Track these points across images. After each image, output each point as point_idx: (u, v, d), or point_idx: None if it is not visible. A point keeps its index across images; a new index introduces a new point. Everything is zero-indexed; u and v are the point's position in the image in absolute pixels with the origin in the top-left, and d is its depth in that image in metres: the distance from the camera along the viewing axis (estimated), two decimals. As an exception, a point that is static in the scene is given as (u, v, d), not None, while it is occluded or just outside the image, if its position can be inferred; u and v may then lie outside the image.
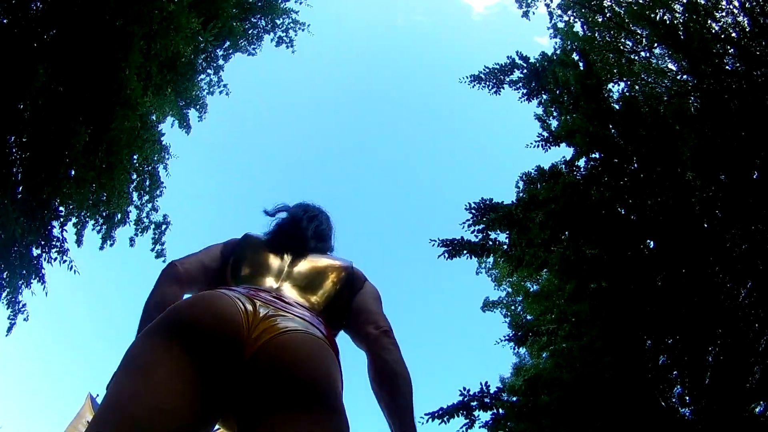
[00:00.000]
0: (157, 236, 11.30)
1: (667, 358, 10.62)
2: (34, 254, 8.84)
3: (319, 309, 2.22)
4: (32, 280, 9.04)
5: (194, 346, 1.69)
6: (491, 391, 10.95)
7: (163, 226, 11.39)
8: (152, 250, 11.30)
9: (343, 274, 2.42)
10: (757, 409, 9.84)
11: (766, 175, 9.54)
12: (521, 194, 12.47)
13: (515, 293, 15.85)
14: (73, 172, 8.48)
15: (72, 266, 9.28)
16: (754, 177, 9.64)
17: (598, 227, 10.47)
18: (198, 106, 12.60)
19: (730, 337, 9.55)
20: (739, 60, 10.24)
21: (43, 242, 8.84)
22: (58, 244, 9.16)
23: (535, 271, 12.78)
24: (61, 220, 9.28)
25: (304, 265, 2.42)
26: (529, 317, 15.34)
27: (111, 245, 10.63)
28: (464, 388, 10.88)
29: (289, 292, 2.23)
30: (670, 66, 11.94)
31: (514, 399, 11.19)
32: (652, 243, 10.62)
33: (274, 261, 2.42)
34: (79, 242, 10.09)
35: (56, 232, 9.22)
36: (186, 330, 1.72)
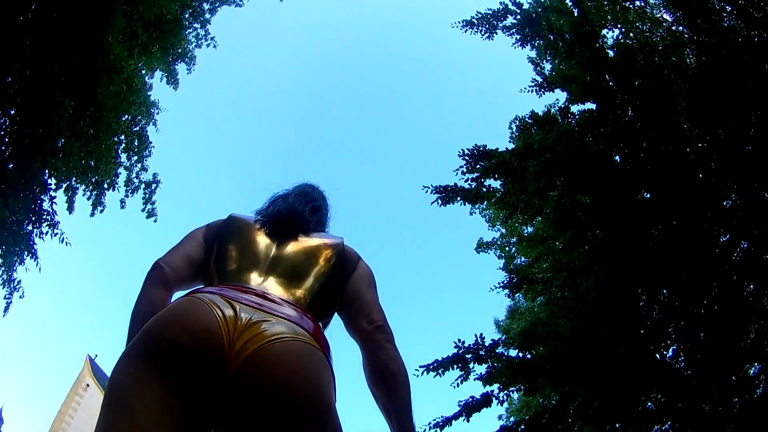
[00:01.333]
0: (147, 196, 11.32)
1: (660, 313, 10.76)
2: (26, 231, 8.84)
3: (307, 302, 2.13)
4: (25, 257, 9.11)
5: (172, 371, 1.63)
6: (486, 344, 11.06)
7: (153, 185, 11.39)
8: (143, 210, 11.34)
9: (333, 255, 2.33)
10: (751, 371, 9.99)
11: (763, 132, 9.50)
12: (517, 142, 12.42)
13: (509, 234, 15.86)
14: (60, 143, 8.44)
15: (63, 238, 9.32)
16: (751, 133, 9.60)
17: (593, 176, 10.48)
18: (186, 59, 12.44)
19: (725, 295, 9.64)
20: (738, 19, 10.10)
21: (33, 218, 8.84)
22: (48, 217, 9.16)
23: (529, 219, 12.81)
24: (51, 193, 9.28)
25: (293, 250, 2.30)
26: (523, 259, 15.51)
27: (101, 211, 10.70)
28: (459, 340, 10.91)
29: (275, 288, 2.11)
30: (666, 17, 11.76)
31: (510, 353, 11.30)
32: (648, 195, 10.63)
33: (259, 249, 2.29)
34: (70, 209, 10.15)
35: (46, 205, 9.22)
36: (161, 353, 1.66)
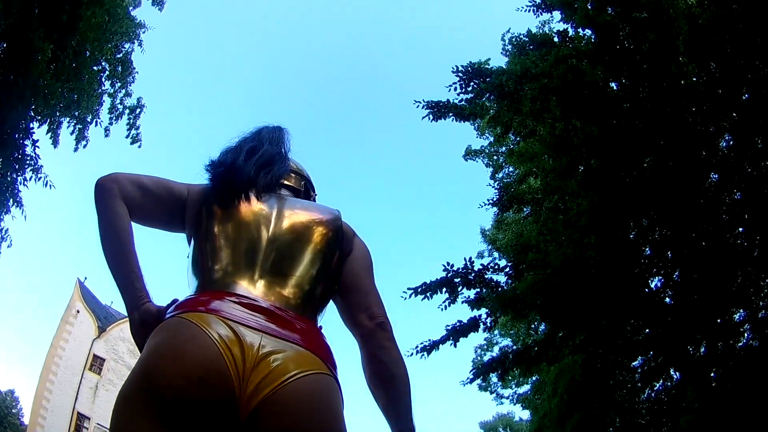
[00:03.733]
0: (131, 121, 11.20)
1: (650, 246, 10.91)
2: (8, 180, 8.76)
3: (307, 302, 1.98)
4: (11, 206, 9.03)
5: (178, 422, 1.54)
6: (476, 269, 11.22)
7: (138, 110, 11.22)
8: (127, 136, 11.22)
9: (331, 236, 2.14)
10: (736, 316, 10.29)
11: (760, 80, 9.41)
12: (511, 64, 12.26)
13: (498, 143, 15.81)
14: (41, 83, 8.26)
15: (47, 182, 9.24)
16: (748, 77, 9.51)
17: (590, 104, 10.41)
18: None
19: (713, 235, 9.78)
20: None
21: (16, 165, 8.71)
22: (32, 162, 9.06)
23: (523, 139, 12.80)
24: (33, 137, 9.13)
25: (286, 233, 2.08)
26: (511, 169, 15.57)
27: (84, 146, 10.64)
28: (448, 263, 11.15)
29: (272, 290, 1.93)
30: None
31: (499, 279, 11.48)
32: (642, 127, 10.59)
33: (250, 235, 2.05)
34: (55, 143, 10.13)
35: (29, 150, 9.12)
36: (164, 404, 1.54)
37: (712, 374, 9.81)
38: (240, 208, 2.07)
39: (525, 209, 13.76)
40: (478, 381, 12.28)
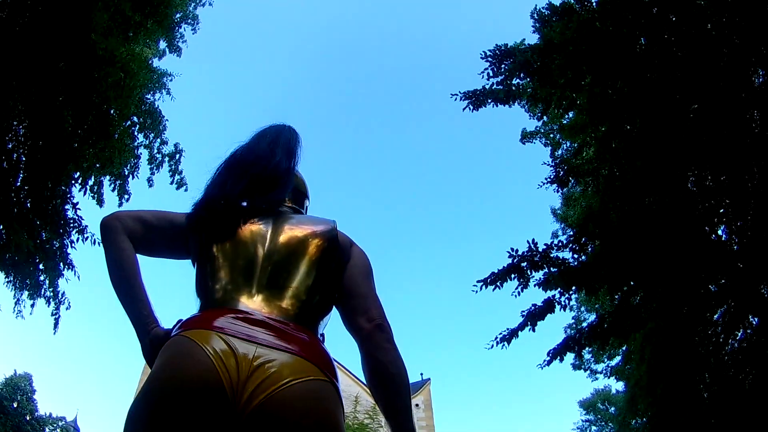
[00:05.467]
0: (173, 167, 11.52)
1: (709, 193, 10.66)
2: (57, 246, 9.31)
3: (305, 313, 2.06)
4: (63, 270, 9.59)
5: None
6: (540, 249, 11.13)
7: (177, 155, 11.57)
8: (171, 183, 11.53)
9: (327, 247, 2.22)
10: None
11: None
12: (537, 40, 12.15)
13: (551, 122, 15.63)
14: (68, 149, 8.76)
15: (95, 239, 9.63)
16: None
17: (620, 63, 10.28)
18: (189, 21, 12.50)
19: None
20: None
21: (61, 231, 9.23)
22: (76, 224, 9.56)
23: (564, 112, 12.66)
24: (72, 200, 9.66)
25: (282, 249, 2.17)
26: (568, 144, 15.39)
27: (127, 200, 11.05)
28: (512, 249, 11.05)
29: (269, 303, 2.02)
30: None
31: (565, 255, 11.35)
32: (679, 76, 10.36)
33: (247, 252, 2.15)
34: (100, 203, 10.61)
35: (70, 214, 9.61)
36: (167, 422, 1.63)
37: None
38: (237, 231, 2.19)
39: (584, 182, 13.54)
40: (571, 359, 12.15)
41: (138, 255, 2.15)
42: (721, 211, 10.62)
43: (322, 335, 2.17)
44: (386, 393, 2.01)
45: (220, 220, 2.20)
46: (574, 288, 10.99)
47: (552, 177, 13.68)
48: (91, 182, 10.34)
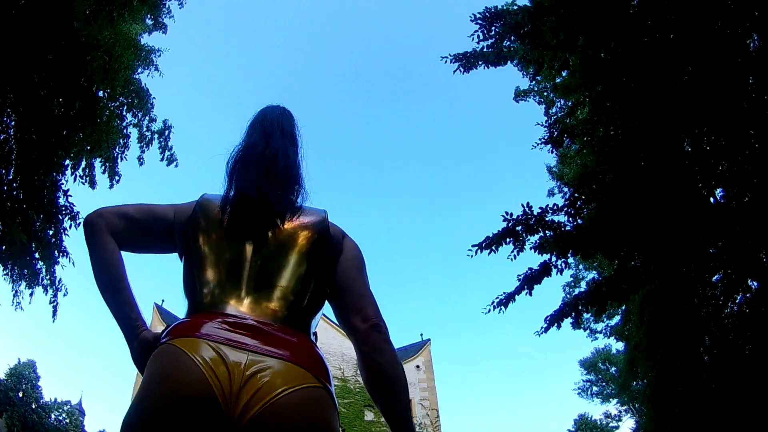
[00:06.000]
0: (162, 144, 11.56)
1: (706, 154, 10.62)
2: (51, 234, 9.40)
3: (296, 313, 2.02)
4: (59, 258, 9.65)
5: None
6: (535, 213, 11.10)
7: (166, 132, 11.61)
8: (162, 159, 11.59)
9: (318, 241, 2.15)
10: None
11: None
12: (528, 2, 11.98)
13: (545, 79, 15.50)
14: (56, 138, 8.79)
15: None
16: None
17: (613, 23, 10.15)
18: (174, -6, 12.43)
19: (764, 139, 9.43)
20: None
21: (54, 219, 9.32)
22: (68, 212, 9.59)
23: (557, 73, 12.55)
24: (63, 188, 9.66)
25: (273, 247, 2.09)
26: (562, 102, 15.31)
27: (118, 181, 11.05)
28: (507, 213, 11.01)
29: (259, 306, 1.97)
30: None
31: (561, 220, 11.33)
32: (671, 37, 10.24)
33: (236, 253, 2.08)
34: (92, 185, 10.69)
35: (62, 201, 9.65)
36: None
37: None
38: (224, 227, 2.11)
39: (579, 141, 13.48)
40: (569, 321, 12.17)
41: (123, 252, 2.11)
42: (719, 172, 10.57)
43: (315, 334, 2.14)
44: (384, 394, 2.01)
45: (256, 219, 2.13)
46: (570, 252, 11.00)
47: (546, 137, 13.63)
48: (82, 165, 10.40)
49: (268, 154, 2.30)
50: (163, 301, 43.20)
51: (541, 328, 11.44)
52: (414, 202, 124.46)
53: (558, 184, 20.87)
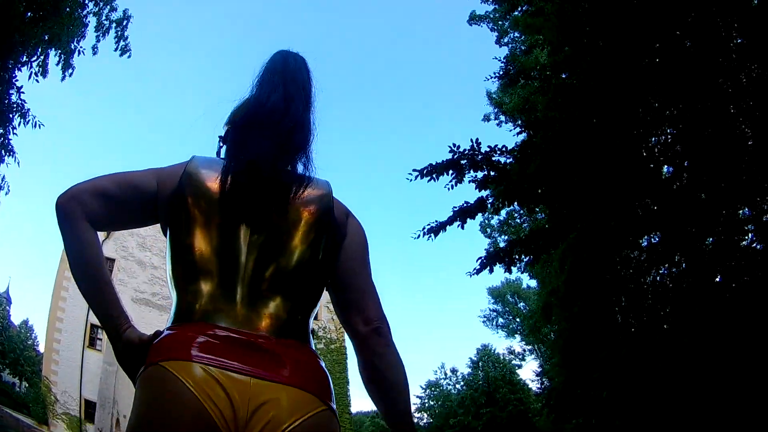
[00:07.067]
0: (119, 33, 11.31)
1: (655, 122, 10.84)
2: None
3: (297, 315, 1.87)
4: (4, 156, 9.50)
5: None
6: (483, 150, 11.24)
7: (124, 21, 11.32)
8: (116, 49, 11.37)
9: (318, 215, 1.94)
10: (740, 212, 10.23)
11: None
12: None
13: (502, 8, 15.43)
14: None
15: (36, 122, 9.64)
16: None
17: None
18: None
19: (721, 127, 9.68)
20: None
21: (3, 118, 9.19)
22: (18, 109, 9.45)
23: (530, 17, 12.52)
24: (16, 85, 9.51)
25: (272, 236, 1.88)
26: (517, 34, 15.36)
27: (71, 74, 10.81)
28: (454, 144, 11.14)
29: (257, 314, 1.80)
30: None
31: (505, 159, 11.48)
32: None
33: (230, 237, 1.86)
34: (44, 74, 10.28)
35: (14, 98, 9.48)
36: None
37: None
38: (220, 210, 1.87)
39: (533, 84, 13.58)
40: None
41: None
42: (666, 147, 10.86)
43: (312, 331, 1.99)
44: (385, 399, 1.95)
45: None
46: (506, 200, 11.19)
47: (501, 73, 13.72)
48: (38, 59, 10.09)
49: (288, 124, 1.96)
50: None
51: (474, 269, 11.74)
52: (358, 122, 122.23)
53: (495, 111, 21.04)
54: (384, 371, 1.92)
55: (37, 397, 34.37)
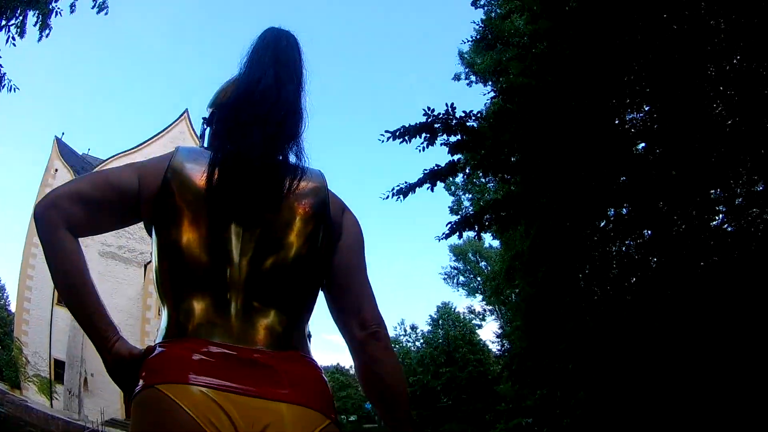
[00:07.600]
0: (97, -12, 11.17)
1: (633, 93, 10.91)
2: None
3: (292, 325, 1.82)
4: None
5: None
6: (457, 116, 11.24)
7: (102, -23, 11.22)
8: (93, 7, 11.29)
9: (314, 209, 1.88)
10: (712, 192, 10.29)
11: None
12: None
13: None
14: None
15: (12, 86, 9.92)
16: None
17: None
18: None
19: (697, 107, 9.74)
20: None
21: None
22: None
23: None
24: None
25: (265, 235, 1.82)
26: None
27: (48, 35, 10.86)
28: (428, 108, 11.08)
29: (253, 327, 1.75)
30: None
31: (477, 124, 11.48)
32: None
33: (221, 238, 1.79)
34: (21, 34, 10.44)
35: None
36: None
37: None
38: (208, 207, 1.79)
39: (511, 51, 13.52)
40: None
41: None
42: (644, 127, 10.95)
43: (309, 334, 1.95)
44: (384, 404, 1.91)
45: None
46: (478, 168, 11.29)
47: (478, 37, 13.67)
48: (17, 15, 10.28)
49: (280, 110, 1.87)
50: (63, 134, 41.30)
51: (443, 233, 11.78)
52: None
53: (466, 70, 20.97)
54: (384, 377, 1.88)
55: (9, 361, 33.70)
